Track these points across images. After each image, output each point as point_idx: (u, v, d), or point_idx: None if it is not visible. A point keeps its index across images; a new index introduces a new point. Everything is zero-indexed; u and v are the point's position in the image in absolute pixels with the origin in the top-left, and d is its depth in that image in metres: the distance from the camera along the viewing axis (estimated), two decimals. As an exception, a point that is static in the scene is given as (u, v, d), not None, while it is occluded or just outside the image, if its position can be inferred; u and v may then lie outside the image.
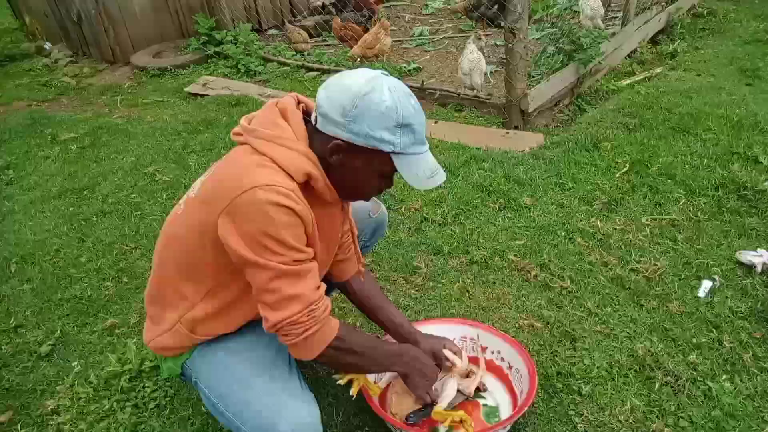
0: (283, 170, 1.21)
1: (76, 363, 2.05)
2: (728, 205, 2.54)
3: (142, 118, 4.34)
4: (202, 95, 4.58)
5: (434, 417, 1.54)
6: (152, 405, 1.84)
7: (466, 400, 1.65)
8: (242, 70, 4.99)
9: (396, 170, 1.28)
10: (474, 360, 1.77)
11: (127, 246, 2.73)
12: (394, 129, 1.22)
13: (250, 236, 1.17)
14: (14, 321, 2.29)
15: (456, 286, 2.24)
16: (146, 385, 1.91)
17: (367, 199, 1.43)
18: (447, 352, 1.63)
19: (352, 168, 1.27)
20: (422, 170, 1.28)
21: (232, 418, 1.30)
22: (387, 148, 1.23)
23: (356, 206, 1.59)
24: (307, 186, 1.26)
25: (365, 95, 1.20)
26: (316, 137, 1.27)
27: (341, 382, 1.56)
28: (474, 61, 3.74)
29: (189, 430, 1.72)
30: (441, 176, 1.32)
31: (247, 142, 1.27)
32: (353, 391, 1.55)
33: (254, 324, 1.40)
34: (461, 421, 1.51)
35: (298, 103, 1.34)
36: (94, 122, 4.29)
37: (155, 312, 1.43)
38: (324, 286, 1.30)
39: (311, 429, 1.26)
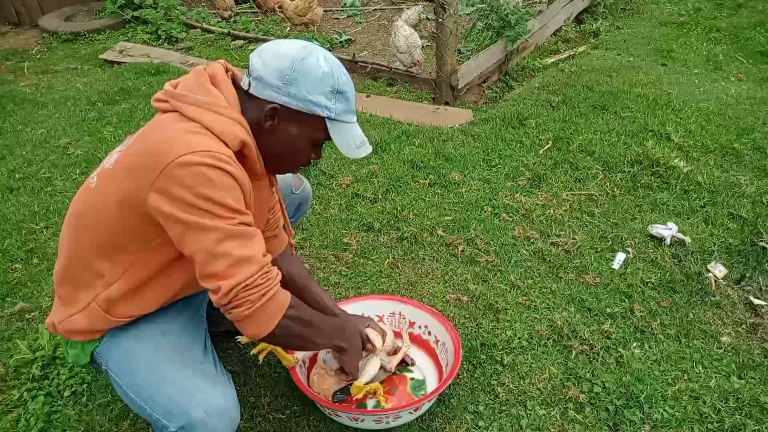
0: (218, 137, 1.18)
1: (-20, 352, 1.91)
2: (642, 181, 2.68)
3: (53, 86, 4.04)
4: (119, 63, 4.32)
5: (353, 392, 1.55)
6: (68, 393, 1.75)
7: (392, 375, 1.67)
8: (163, 37, 4.74)
9: (328, 138, 1.29)
10: (399, 335, 1.80)
11: (36, 225, 2.55)
12: (330, 94, 1.24)
13: (189, 201, 1.11)
14: None
15: (386, 262, 2.25)
16: (61, 372, 1.81)
17: (294, 171, 1.42)
18: (370, 332, 1.63)
19: (286, 134, 1.26)
20: (353, 139, 1.30)
21: (143, 405, 1.25)
22: (323, 113, 1.24)
23: (278, 182, 1.54)
24: (240, 156, 1.23)
25: (303, 59, 1.21)
26: (248, 104, 1.24)
27: (254, 351, 1.56)
28: (409, 37, 3.72)
29: (108, 417, 1.65)
30: (368, 147, 1.35)
31: (175, 108, 1.21)
32: (261, 357, 1.59)
33: (167, 310, 1.36)
34: (375, 392, 1.54)
35: (227, 71, 1.30)
36: (-3, 90, 3.96)
37: (66, 292, 1.34)
38: (271, 255, 1.25)
39: (226, 412, 1.23)
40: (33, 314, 2.08)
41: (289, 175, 1.71)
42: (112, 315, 1.30)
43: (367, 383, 1.54)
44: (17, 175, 2.96)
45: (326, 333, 1.42)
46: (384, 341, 1.61)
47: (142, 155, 1.19)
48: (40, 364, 1.82)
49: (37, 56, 4.65)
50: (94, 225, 1.25)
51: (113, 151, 1.31)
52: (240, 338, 1.72)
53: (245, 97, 1.25)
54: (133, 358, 1.29)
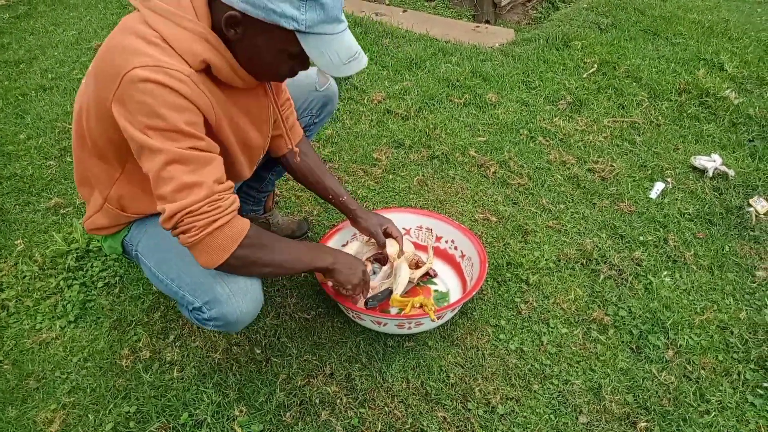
0: (178, 54, 1.07)
1: (19, 242, 1.97)
2: (689, 111, 2.55)
3: (84, -13, 3.95)
4: (150, -34, 4.18)
5: (393, 305, 1.56)
6: (101, 284, 1.81)
7: (416, 286, 1.68)
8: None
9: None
10: (424, 249, 1.79)
11: (69, 125, 2.56)
12: (297, 2, 1.04)
13: (140, 119, 1.05)
14: (-51, 198, 2.17)
15: (415, 179, 2.22)
16: (94, 264, 1.86)
17: (282, 80, 1.25)
18: (389, 241, 1.59)
19: (254, 45, 1.11)
20: (336, 54, 1.10)
21: (170, 283, 1.28)
22: (291, 25, 1.05)
23: (301, 79, 1.42)
24: (208, 73, 1.13)
25: None
26: (214, 9, 1.09)
27: None
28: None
29: (140, 308, 1.71)
30: (360, 61, 1.15)
31: (140, 10, 1.10)
32: None
33: None
34: (421, 306, 1.54)
35: None
36: (29, -11, 3.89)
37: (85, 192, 1.36)
38: (232, 184, 1.15)
39: (249, 291, 1.24)
40: (67, 209, 2.12)
41: (312, 70, 1.60)
42: (126, 212, 1.31)
43: (402, 295, 1.56)
44: (50, 75, 2.95)
45: (298, 258, 1.29)
46: (401, 246, 1.60)
47: (103, 62, 1.11)
48: (74, 255, 1.87)
49: (68, -43, 4.53)
50: (79, 126, 1.23)
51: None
52: None
53: (211, 1, 1.09)
54: (160, 240, 1.31)
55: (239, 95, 1.22)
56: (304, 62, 1.17)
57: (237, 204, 1.15)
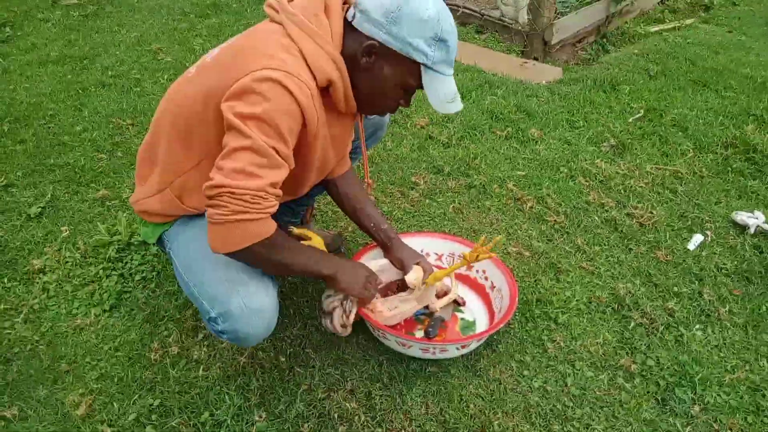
0: (308, 68, 1.18)
1: (65, 228, 2.05)
2: (734, 165, 2.52)
3: (149, -7, 4.14)
4: (214, -22, 4.35)
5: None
6: (138, 277, 1.86)
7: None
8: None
9: (420, 87, 1.27)
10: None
11: (123, 121, 2.67)
12: (431, 41, 1.21)
13: (247, 106, 1.12)
14: (5, 180, 2.27)
15: (451, 206, 2.23)
16: (134, 258, 1.93)
17: (383, 113, 1.41)
18: (415, 268, 1.59)
19: (380, 74, 1.25)
20: (444, 92, 1.27)
21: (193, 288, 1.32)
22: (420, 59, 1.22)
23: None
24: (325, 93, 1.24)
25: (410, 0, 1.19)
26: (350, 36, 1.23)
27: (295, 230, 1.56)
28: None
29: (174, 304, 1.75)
30: (459, 104, 1.31)
31: (282, 23, 1.22)
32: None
33: None
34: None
35: (344, 2, 1.28)
36: (99, -10, 4.09)
37: (144, 172, 1.41)
38: (281, 193, 1.20)
39: (264, 311, 1.27)
40: (113, 202, 2.20)
41: None
42: (183, 203, 1.36)
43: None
44: (110, 73, 3.08)
45: (304, 261, 1.32)
46: (423, 278, 1.59)
47: (235, 55, 1.21)
48: (116, 247, 1.94)
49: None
50: (179, 110, 1.29)
51: (217, 47, 1.33)
52: (292, 228, 1.72)
53: (348, 28, 1.24)
54: (192, 245, 1.35)
55: (335, 118, 1.32)
56: (409, 98, 1.33)
57: (273, 210, 1.18)
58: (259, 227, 1.16)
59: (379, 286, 1.54)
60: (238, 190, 1.11)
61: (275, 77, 1.12)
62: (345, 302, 1.44)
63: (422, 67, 1.24)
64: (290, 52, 1.17)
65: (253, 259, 1.23)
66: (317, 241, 1.55)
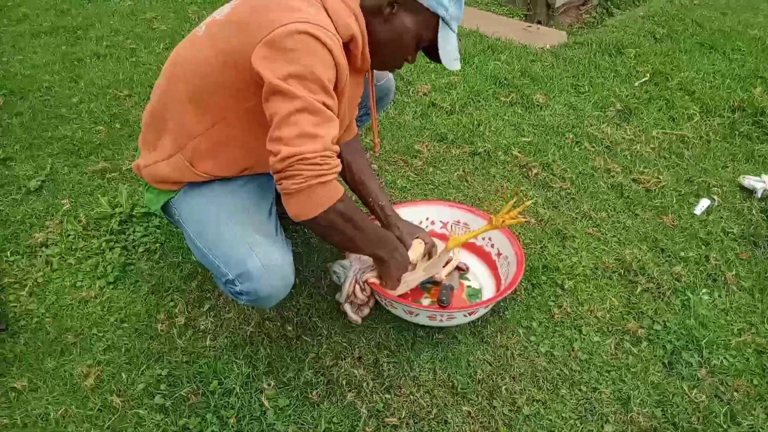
0: (333, 22, 1.18)
1: (65, 201, 2.03)
2: (741, 129, 2.48)
3: (142, -40, 4.02)
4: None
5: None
6: (141, 249, 1.85)
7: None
8: None
9: (433, 41, 1.28)
10: (444, 237, 1.79)
11: (120, 92, 2.62)
12: None
13: (283, 65, 1.10)
14: (3, 154, 2.24)
15: (456, 174, 2.21)
16: (137, 230, 1.91)
17: (392, 69, 1.43)
18: (415, 243, 1.59)
19: (400, 26, 1.25)
20: (452, 48, 1.30)
21: (207, 253, 1.31)
22: (441, 12, 1.24)
23: None
24: (345, 47, 1.22)
25: None
26: None
27: None
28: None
29: (178, 275, 1.74)
30: (459, 62, 1.34)
31: None
32: None
33: (241, 177, 1.40)
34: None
35: None
36: (90, -42, 3.98)
37: (151, 138, 1.38)
38: (338, 148, 1.21)
39: (281, 269, 1.27)
40: (113, 174, 2.17)
41: None
42: (194, 167, 1.33)
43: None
44: (104, 43, 3.02)
45: (370, 239, 1.36)
46: (423, 253, 1.58)
47: (253, 11, 1.17)
48: (118, 219, 1.92)
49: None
50: (193, 74, 1.25)
51: (226, 5, 1.29)
52: None
53: None
54: (203, 210, 1.34)
55: (351, 75, 1.29)
56: (415, 54, 1.35)
57: (340, 167, 1.18)
58: (335, 188, 1.18)
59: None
60: (308, 154, 1.10)
61: (308, 30, 1.10)
62: (359, 280, 1.51)
63: (441, 21, 1.25)
64: (314, 5, 1.17)
65: (329, 228, 1.22)
66: None
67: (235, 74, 1.18)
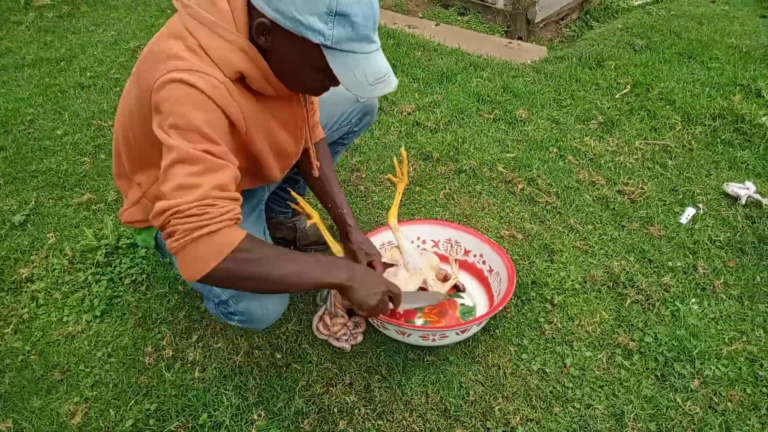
0: (214, 62, 1.07)
1: (51, 235, 2.02)
2: (723, 137, 2.51)
3: (125, -10, 4.05)
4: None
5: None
6: (128, 281, 1.83)
7: (443, 300, 1.67)
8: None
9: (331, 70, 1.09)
10: (446, 260, 1.80)
11: (105, 123, 2.62)
12: (326, 16, 1.02)
13: (165, 118, 1.04)
14: (-14, 188, 2.23)
15: (442, 192, 2.21)
16: (123, 261, 1.90)
17: (316, 94, 1.24)
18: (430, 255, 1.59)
19: (285, 55, 1.09)
20: (363, 74, 1.08)
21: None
22: (316, 39, 1.04)
23: (342, 89, 1.23)
24: (242, 83, 1.13)
25: None
26: (253, 15, 1.08)
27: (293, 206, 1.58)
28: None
29: (164, 306, 1.73)
30: (389, 84, 1.12)
31: (181, 16, 1.11)
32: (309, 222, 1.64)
33: None
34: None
35: None
36: (73, -10, 4.00)
37: (122, 185, 1.40)
38: (237, 196, 1.09)
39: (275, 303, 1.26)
40: (99, 206, 2.16)
41: None
42: None
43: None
44: (88, 74, 3.02)
45: (301, 272, 1.15)
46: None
47: (145, 64, 1.13)
48: (104, 251, 1.91)
49: (111, -41, 4.65)
50: (124, 126, 1.26)
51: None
52: (290, 203, 1.67)
53: (252, 8, 1.09)
54: None
55: (274, 103, 1.24)
56: (333, 78, 1.11)
57: (234, 214, 1.06)
58: (222, 238, 1.03)
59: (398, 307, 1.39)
60: (181, 207, 1.01)
61: (182, 78, 1.03)
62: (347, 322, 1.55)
63: (323, 49, 1.06)
64: (191, 49, 1.07)
65: (232, 279, 1.07)
66: (317, 219, 1.61)
67: (146, 125, 1.13)
